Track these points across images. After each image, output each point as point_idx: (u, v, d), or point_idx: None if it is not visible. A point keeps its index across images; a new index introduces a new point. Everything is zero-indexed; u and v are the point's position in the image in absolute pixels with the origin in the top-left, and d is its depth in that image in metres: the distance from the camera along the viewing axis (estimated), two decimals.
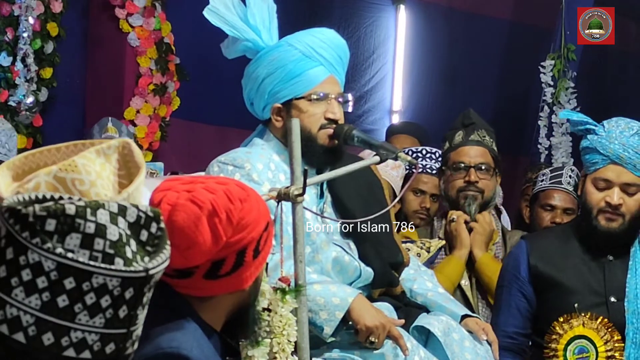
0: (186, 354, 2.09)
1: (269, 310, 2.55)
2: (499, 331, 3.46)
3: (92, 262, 1.27)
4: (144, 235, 1.35)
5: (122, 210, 1.32)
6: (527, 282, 3.53)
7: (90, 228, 1.27)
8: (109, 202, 1.32)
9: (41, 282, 1.26)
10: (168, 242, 1.38)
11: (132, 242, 1.32)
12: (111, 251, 1.29)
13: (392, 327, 2.91)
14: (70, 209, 1.26)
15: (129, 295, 1.31)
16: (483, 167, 3.94)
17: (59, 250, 1.26)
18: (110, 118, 5.07)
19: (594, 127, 3.46)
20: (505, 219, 5.04)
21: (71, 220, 1.27)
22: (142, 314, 1.34)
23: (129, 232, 1.32)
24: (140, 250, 1.33)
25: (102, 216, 1.29)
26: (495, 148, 4.00)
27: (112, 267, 1.28)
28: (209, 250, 2.17)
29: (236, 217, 2.18)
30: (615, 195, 3.41)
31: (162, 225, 1.38)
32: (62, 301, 1.27)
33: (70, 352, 1.28)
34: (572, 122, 3.56)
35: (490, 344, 3.16)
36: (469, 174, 3.93)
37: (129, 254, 1.31)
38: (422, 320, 3.08)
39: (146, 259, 1.33)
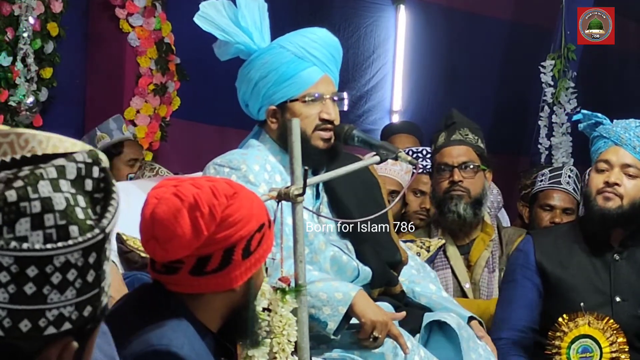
0: (176, 351, 2.09)
1: (269, 310, 2.55)
2: (510, 326, 3.45)
3: (49, 246, 1.26)
4: (88, 185, 1.32)
5: (61, 171, 1.30)
6: (538, 275, 3.52)
7: (37, 207, 1.26)
8: (45, 168, 1.30)
9: (3, 277, 1.25)
10: (114, 183, 1.36)
11: (80, 198, 1.30)
12: (63, 222, 1.27)
13: (392, 326, 2.91)
14: (12, 196, 1.25)
15: (93, 260, 1.30)
16: (467, 166, 3.93)
17: (13, 244, 1.25)
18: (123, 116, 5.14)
19: (602, 120, 3.50)
20: (505, 218, 5.04)
21: (15, 207, 1.26)
22: (107, 266, 1.34)
23: (73, 191, 1.30)
24: (88, 202, 1.31)
25: (44, 188, 1.28)
26: (481, 145, 3.97)
27: (70, 242, 1.27)
28: (189, 243, 2.16)
29: (220, 213, 2.17)
30: (613, 175, 3.42)
31: (104, 165, 1.35)
32: (29, 289, 1.26)
33: (51, 330, 1.27)
34: (584, 118, 3.56)
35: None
36: (453, 174, 3.92)
37: (81, 215, 1.29)
38: (436, 315, 3.08)
39: (97, 208, 1.32)
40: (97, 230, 1.29)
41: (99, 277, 1.31)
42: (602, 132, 3.47)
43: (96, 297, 1.31)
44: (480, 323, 3.24)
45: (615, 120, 3.50)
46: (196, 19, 3.08)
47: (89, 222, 1.29)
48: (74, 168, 1.30)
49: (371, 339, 2.89)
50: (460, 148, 3.94)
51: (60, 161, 1.30)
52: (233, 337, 2.35)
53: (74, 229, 1.27)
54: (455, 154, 3.93)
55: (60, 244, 1.26)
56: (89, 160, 1.32)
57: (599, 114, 3.53)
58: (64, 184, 1.29)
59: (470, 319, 3.20)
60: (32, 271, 1.25)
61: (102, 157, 1.35)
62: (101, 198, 1.32)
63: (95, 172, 1.32)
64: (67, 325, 1.28)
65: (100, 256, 1.30)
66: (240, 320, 2.31)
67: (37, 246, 1.25)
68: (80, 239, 1.27)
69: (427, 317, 3.09)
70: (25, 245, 1.24)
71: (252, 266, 2.27)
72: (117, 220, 1.32)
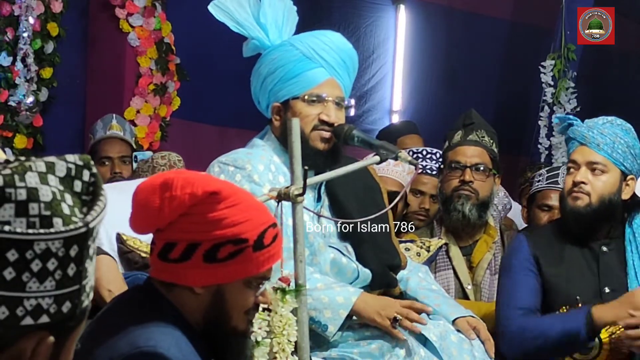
0: (162, 352, 2.08)
1: (269, 310, 2.55)
2: (514, 309, 3.43)
3: (30, 230, 1.26)
4: (77, 186, 1.32)
5: (51, 167, 1.30)
6: (535, 267, 3.52)
7: (22, 194, 1.26)
8: (35, 162, 1.30)
9: None
10: (103, 188, 1.36)
11: (67, 196, 1.30)
12: (47, 213, 1.27)
13: (399, 308, 2.93)
14: None
15: (74, 253, 1.29)
16: (479, 168, 3.93)
17: None
18: (114, 115, 5.06)
19: (573, 121, 3.54)
20: (519, 220, 5.02)
21: (1, 192, 1.26)
22: (91, 266, 1.33)
23: (61, 188, 1.30)
24: (77, 203, 1.31)
25: (31, 179, 1.28)
26: (495, 149, 3.98)
27: (52, 230, 1.27)
28: (152, 218, 2.15)
29: (188, 203, 2.13)
30: (579, 174, 3.45)
31: (94, 170, 1.35)
32: (9, 274, 1.26)
33: (28, 321, 1.27)
34: (559, 121, 3.63)
35: (483, 343, 3.15)
36: (464, 173, 3.92)
37: (67, 210, 1.29)
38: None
39: (84, 209, 1.32)
40: (80, 223, 1.29)
41: (80, 273, 1.31)
42: (570, 133, 3.53)
43: (76, 294, 1.30)
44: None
45: (586, 120, 3.54)
46: (210, 8, 3.09)
47: (74, 218, 1.29)
48: (63, 166, 1.31)
49: (396, 325, 2.91)
50: (475, 149, 3.94)
51: (50, 158, 1.31)
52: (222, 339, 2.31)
53: (57, 221, 1.27)
54: (470, 154, 3.94)
55: (42, 230, 1.26)
56: (80, 163, 1.33)
57: (571, 116, 3.59)
58: (52, 179, 1.29)
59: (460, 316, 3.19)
60: (12, 255, 1.25)
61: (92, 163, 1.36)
62: (89, 201, 1.32)
63: (86, 175, 1.33)
64: (44, 318, 1.28)
65: (83, 252, 1.30)
66: (223, 337, 2.26)
67: (18, 230, 1.25)
68: (62, 229, 1.27)
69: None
70: (7, 228, 1.24)
71: (219, 275, 2.17)
72: (102, 219, 1.32)
